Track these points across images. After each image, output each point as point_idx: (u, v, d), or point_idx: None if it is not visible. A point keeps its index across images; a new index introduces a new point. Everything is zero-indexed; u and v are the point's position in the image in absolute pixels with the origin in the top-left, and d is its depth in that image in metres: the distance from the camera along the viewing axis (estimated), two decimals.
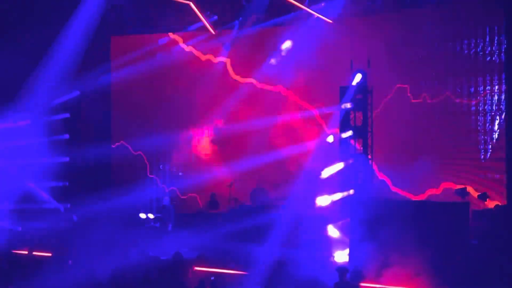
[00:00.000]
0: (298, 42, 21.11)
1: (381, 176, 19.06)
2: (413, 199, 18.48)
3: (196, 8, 20.54)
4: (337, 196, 18.45)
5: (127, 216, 20.30)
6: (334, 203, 18.47)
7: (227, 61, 22.67)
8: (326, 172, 19.02)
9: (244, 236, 17.78)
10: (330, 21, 19.88)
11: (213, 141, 22.96)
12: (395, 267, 14.52)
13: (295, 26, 20.95)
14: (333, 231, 18.01)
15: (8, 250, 18.36)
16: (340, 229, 17.90)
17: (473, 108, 18.70)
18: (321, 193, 18.68)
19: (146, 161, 23.66)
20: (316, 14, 19.98)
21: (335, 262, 16.81)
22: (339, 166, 18.80)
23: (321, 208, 18.62)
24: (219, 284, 14.02)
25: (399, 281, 14.43)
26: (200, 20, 21.41)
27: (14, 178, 21.43)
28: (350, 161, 18.48)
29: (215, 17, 21.67)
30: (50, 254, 17.36)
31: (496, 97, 18.30)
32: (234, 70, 22.65)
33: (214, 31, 21.87)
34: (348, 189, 18.16)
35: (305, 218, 17.93)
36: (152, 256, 17.13)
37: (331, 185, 18.69)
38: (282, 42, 21.46)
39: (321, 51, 20.22)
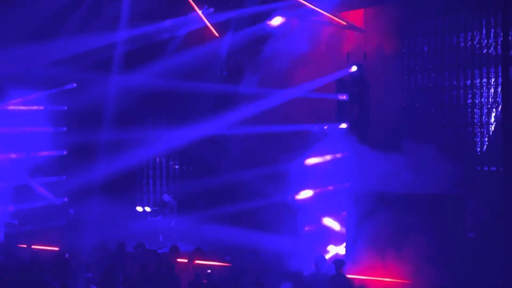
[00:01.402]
0: (293, 34, 21.04)
1: (377, 169, 19.04)
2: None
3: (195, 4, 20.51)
4: (327, 188, 18.44)
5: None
6: (327, 195, 18.45)
7: None
8: (312, 160, 18.97)
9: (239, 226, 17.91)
10: (344, 23, 19.77)
11: None
12: (391, 260, 14.57)
13: (290, 17, 20.89)
14: (330, 224, 18.04)
15: (5, 243, 18.41)
16: (337, 221, 17.94)
17: (470, 100, 18.73)
18: (307, 185, 18.63)
19: None
20: (313, 7, 19.94)
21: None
22: (327, 156, 18.77)
23: (309, 199, 18.58)
24: (216, 277, 14.04)
25: (396, 274, 14.48)
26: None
27: (13, 172, 21.44)
28: (345, 153, 18.48)
29: (211, 9, 21.59)
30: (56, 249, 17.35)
31: (492, 90, 18.31)
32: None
33: (218, 34, 21.65)
34: (342, 182, 18.14)
35: (299, 209, 17.96)
36: (149, 249, 17.19)
37: (320, 177, 18.61)
38: (271, 19, 21.30)
39: (317, 43, 20.21)
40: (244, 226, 18.38)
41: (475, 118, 18.57)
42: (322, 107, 20.29)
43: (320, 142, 19.11)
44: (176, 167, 23.59)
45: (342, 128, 19.04)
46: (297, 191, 18.63)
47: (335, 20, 19.98)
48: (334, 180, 18.35)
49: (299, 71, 20.98)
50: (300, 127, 20.44)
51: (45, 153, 22.07)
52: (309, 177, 18.52)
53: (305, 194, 18.71)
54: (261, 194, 19.36)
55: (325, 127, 19.81)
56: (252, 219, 18.70)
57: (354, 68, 19.01)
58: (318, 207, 18.21)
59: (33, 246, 17.56)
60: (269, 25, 21.10)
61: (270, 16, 21.09)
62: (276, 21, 20.97)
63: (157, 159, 23.94)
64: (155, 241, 19.65)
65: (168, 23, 22.06)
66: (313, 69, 20.89)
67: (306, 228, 17.75)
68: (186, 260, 15.63)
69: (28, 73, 20.56)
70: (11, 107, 21.63)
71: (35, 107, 22.14)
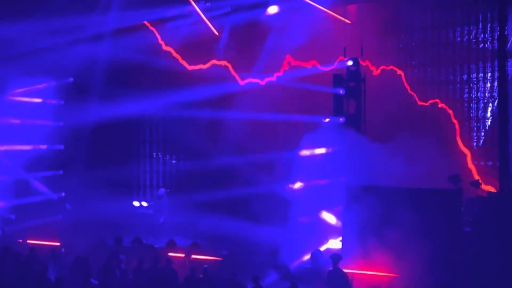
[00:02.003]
0: (290, 28, 21.01)
1: (373, 163, 19.08)
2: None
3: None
4: (322, 181, 18.45)
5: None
6: (322, 188, 18.45)
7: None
8: (307, 152, 18.95)
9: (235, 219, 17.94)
10: (349, 22, 19.79)
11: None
12: (385, 255, 14.58)
13: (287, 11, 20.85)
14: (325, 217, 18.05)
15: (3, 238, 18.40)
16: (334, 215, 17.94)
17: (466, 95, 18.76)
18: (301, 176, 18.62)
19: None
20: (310, 2, 19.93)
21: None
22: (322, 149, 18.76)
23: (303, 191, 18.57)
24: (212, 271, 14.06)
25: (392, 268, 14.51)
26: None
27: (11, 166, 21.40)
28: (341, 147, 18.48)
29: (208, 4, 21.53)
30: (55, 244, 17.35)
31: (488, 84, 18.35)
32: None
33: (217, 33, 21.57)
34: (338, 175, 18.14)
35: (293, 200, 17.95)
36: (146, 244, 17.21)
37: (315, 169, 18.59)
38: (268, 7, 21.17)
39: (314, 37, 20.19)
40: (237, 217, 18.41)
41: (472, 112, 18.61)
42: (319, 101, 20.32)
43: (315, 135, 19.12)
44: (173, 161, 23.60)
45: (338, 122, 19.04)
46: (291, 183, 18.63)
47: (332, 15, 19.97)
48: (329, 173, 18.36)
49: (295, 64, 21.00)
50: (296, 118, 20.47)
51: (43, 147, 22.02)
52: (304, 169, 18.52)
53: (298, 185, 18.71)
54: (254, 184, 19.39)
55: (325, 120, 19.82)
56: (245, 210, 18.71)
57: (350, 63, 19.01)
58: (312, 199, 18.19)
59: (29, 241, 17.57)
60: (265, 14, 21.04)
61: (267, 7, 21.11)
62: (273, 9, 20.89)
63: (154, 153, 23.94)
64: (150, 233, 19.65)
65: (166, 13, 22.07)
66: (309, 63, 20.90)
67: (299, 220, 17.73)
68: (183, 255, 15.66)
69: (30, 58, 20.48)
70: (11, 98, 21.54)
71: (35, 100, 22.08)
